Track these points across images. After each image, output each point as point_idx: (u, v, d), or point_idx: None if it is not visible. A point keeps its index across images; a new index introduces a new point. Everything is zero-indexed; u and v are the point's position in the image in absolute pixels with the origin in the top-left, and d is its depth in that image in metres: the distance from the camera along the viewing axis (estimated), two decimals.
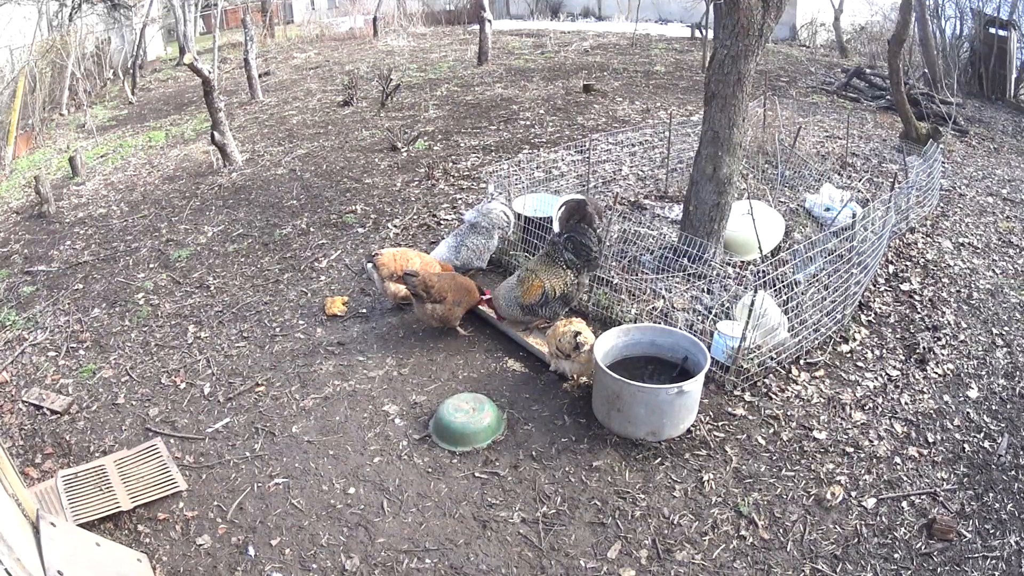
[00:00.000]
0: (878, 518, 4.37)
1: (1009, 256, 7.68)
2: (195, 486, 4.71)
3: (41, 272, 7.87)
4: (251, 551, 4.22)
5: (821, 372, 5.60)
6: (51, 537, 3.55)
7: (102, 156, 12.44)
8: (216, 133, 10.46)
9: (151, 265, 7.78)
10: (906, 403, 5.34)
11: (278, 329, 6.39)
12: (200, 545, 4.28)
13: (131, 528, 4.40)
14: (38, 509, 3.70)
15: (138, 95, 17.69)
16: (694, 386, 4.74)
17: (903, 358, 5.85)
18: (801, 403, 5.27)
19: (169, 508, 4.53)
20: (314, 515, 4.45)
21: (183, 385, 5.75)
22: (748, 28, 5.88)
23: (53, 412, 5.51)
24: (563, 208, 5.96)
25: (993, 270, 7.32)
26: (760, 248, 6.61)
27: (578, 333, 5.11)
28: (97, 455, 5.03)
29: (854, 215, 6.58)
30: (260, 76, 16.19)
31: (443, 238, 7.30)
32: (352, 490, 4.62)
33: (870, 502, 4.46)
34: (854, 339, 6.00)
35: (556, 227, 5.98)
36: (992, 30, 15.03)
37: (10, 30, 15.31)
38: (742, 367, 5.35)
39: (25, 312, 7.02)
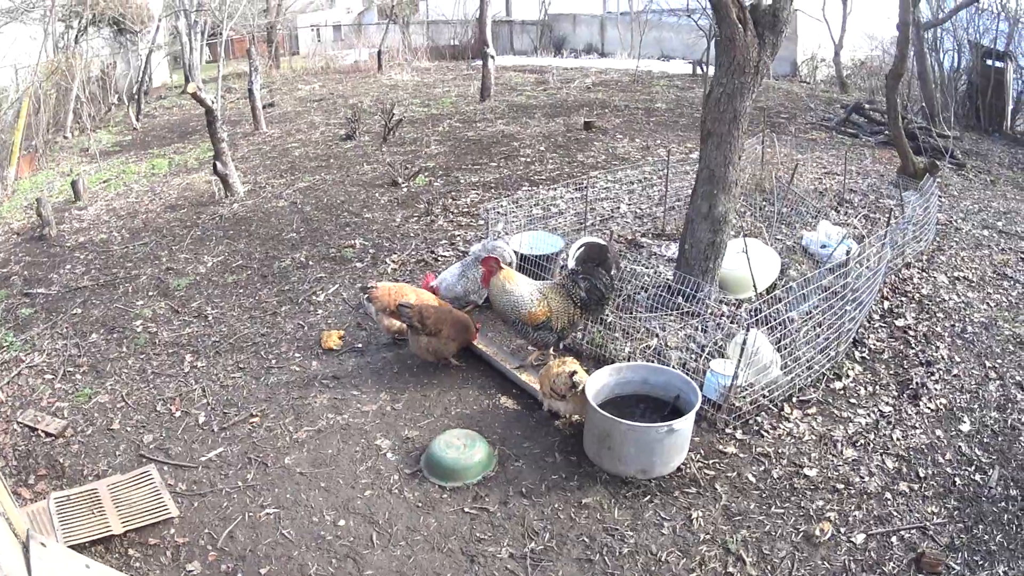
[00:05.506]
0: (867, 553, 4.36)
1: (1003, 288, 7.72)
2: (187, 513, 4.71)
3: (40, 295, 7.91)
4: None
5: (813, 409, 5.61)
6: (40, 557, 3.54)
7: (105, 181, 12.55)
8: (219, 163, 10.55)
9: (150, 293, 7.83)
10: (898, 439, 5.34)
11: (274, 361, 6.42)
12: (190, 571, 4.27)
13: (122, 552, 4.40)
14: (28, 529, 3.71)
15: (142, 121, 17.86)
16: (684, 425, 4.76)
17: (896, 394, 5.85)
18: (793, 440, 5.28)
19: (160, 534, 4.53)
20: (304, 546, 4.45)
21: (178, 413, 5.77)
22: (744, 65, 5.96)
23: (48, 434, 5.52)
24: (583, 248, 6.01)
25: (987, 303, 7.35)
26: (755, 286, 6.65)
27: (574, 373, 5.09)
28: (90, 479, 5.04)
29: (849, 251, 6.63)
30: (264, 107, 16.35)
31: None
32: (342, 522, 4.62)
33: (859, 538, 4.45)
34: (847, 376, 6.01)
35: (571, 263, 6.00)
36: (989, 62, 15.11)
37: (15, 50, 15.44)
38: (734, 405, 5.37)
39: (23, 334, 7.05)
